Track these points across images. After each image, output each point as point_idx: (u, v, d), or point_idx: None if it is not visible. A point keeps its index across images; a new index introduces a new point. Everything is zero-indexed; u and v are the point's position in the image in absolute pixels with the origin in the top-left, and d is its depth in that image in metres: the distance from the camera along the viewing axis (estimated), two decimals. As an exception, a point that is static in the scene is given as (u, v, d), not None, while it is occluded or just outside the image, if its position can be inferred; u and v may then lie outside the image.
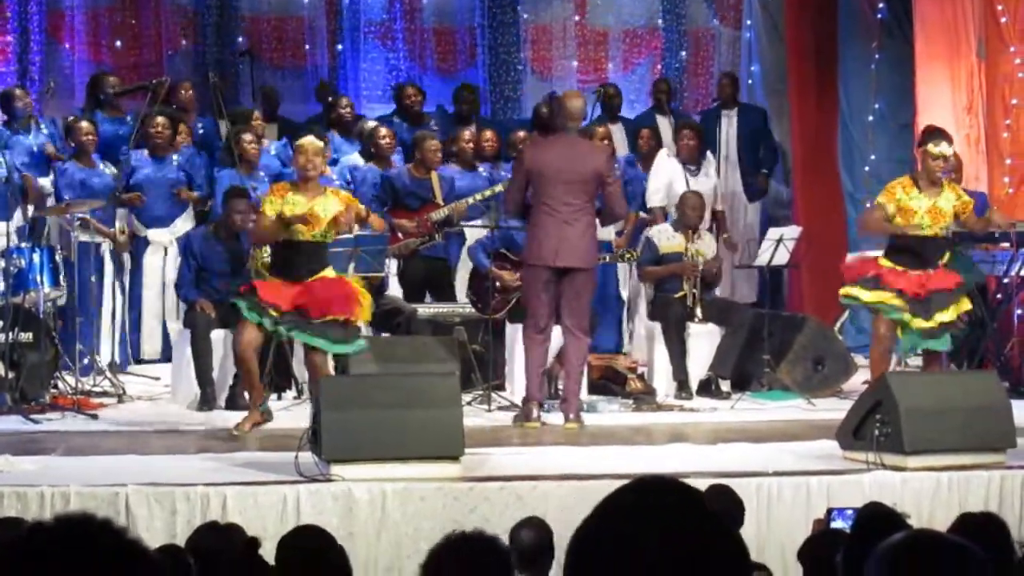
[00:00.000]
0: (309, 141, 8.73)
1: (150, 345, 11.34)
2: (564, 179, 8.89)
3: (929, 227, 9.08)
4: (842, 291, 9.32)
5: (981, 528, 4.45)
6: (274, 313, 8.46)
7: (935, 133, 9.34)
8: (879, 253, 9.42)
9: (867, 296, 9.11)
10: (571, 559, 1.98)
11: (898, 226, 9.09)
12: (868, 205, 10.67)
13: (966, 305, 9.15)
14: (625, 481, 2.05)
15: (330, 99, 13.09)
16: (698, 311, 10.49)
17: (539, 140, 9.91)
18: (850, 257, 10.27)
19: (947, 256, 9.23)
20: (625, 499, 1.99)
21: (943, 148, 9.10)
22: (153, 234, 11.29)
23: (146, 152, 11.37)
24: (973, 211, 9.29)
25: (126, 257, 11.25)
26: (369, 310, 8.91)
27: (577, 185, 8.90)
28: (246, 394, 9.10)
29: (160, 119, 11.36)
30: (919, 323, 8.98)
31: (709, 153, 12.35)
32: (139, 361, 11.35)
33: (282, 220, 8.53)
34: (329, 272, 8.73)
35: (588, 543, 1.96)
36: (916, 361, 10.16)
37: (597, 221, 9.26)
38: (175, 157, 11.48)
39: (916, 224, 9.06)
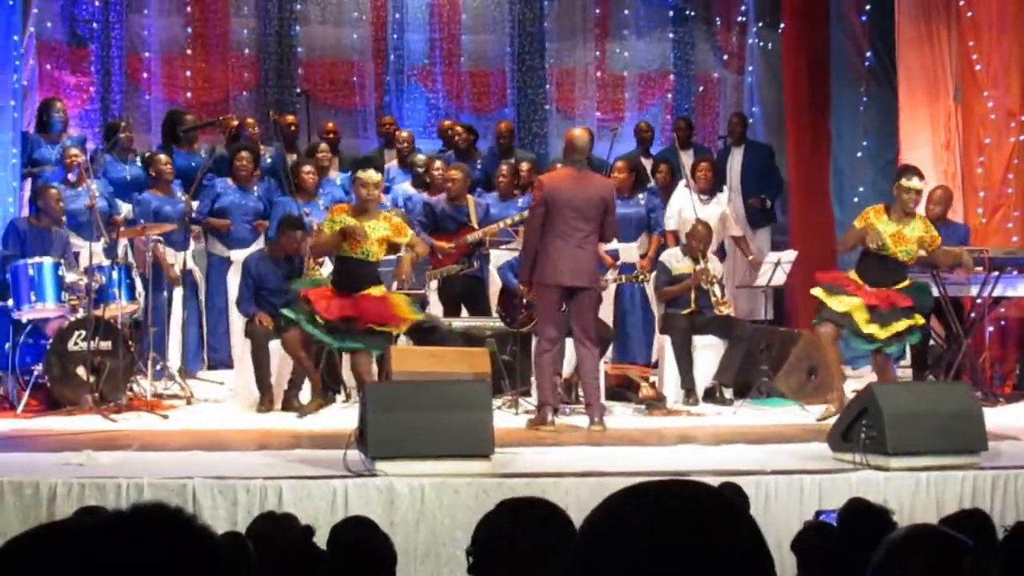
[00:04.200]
0: (370, 175, 9.07)
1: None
2: (577, 207, 8.84)
3: (888, 249, 9.19)
4: (813, 290, 9.47)
5: (968, 521, 4.44)
6: (320, 320, 8.76)
7: (909, 169, 9.50)
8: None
9: (835, 304, 9.19)
10: (583, 555, 1.92)
11: (867, 236, 9.20)
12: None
13: (919, 320, 9.26)
14: (638, 479, 2.00)
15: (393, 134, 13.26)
16: (723, 308, 10.48)
17: (553, 173, 9.85)
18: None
19: (906, 281, 9.31)
20: (632, 498, 1.96)
21: (915, 183, 9.27)
22: (236, 255, 11.30)
23: (230, 180, 11.50)
24: (940, 247, 9.44)
25: (199, 275, 11.39)
26: (408, 324, 9.12)
27: (587, 212, 8.86)
28: (307, 382, 9.47)
29: (244, 153, 11.51)
30: (875, 330, 9.09)
31: (726, 186, 12.39)
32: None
33: (339, 233, 8.88)
34: (378, 290, 8.89)
35: (599, 540, 1.91)
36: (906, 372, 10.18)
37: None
38: (256, 188, 11.58)
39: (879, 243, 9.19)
